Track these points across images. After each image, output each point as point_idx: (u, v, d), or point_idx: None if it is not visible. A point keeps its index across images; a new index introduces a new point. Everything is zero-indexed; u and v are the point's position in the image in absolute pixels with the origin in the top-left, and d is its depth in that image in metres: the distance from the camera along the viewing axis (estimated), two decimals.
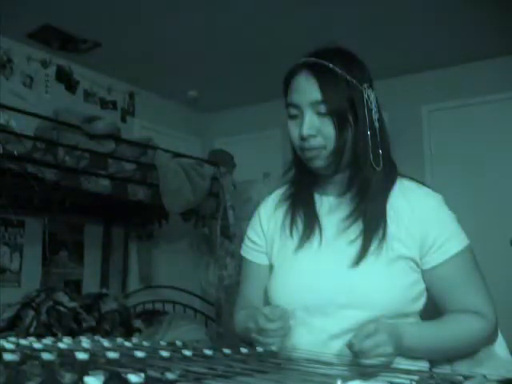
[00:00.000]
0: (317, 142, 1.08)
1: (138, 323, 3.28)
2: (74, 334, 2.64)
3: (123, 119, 4.37)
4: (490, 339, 1.11)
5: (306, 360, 0.76)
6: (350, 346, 0.95)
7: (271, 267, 1.23)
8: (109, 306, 3.14)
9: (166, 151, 3.45)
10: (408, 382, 0.58)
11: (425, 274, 1.10)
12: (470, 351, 1.09)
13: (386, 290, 1.05)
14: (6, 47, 3.55)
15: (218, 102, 4.96)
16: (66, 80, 3.96)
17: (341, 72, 1.07)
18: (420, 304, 1.11)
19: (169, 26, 3.48)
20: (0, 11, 3.05)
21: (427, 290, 1.12)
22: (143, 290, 3.95)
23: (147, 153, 3.32)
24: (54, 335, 2.63)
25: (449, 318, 1.09)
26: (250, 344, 1.04)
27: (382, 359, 0.92)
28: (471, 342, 1.08)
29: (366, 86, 1.10)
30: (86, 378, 0.45)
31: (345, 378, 0.46)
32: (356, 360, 0.91)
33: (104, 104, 4.24)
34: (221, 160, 3.94)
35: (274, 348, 0.99)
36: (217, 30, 3.55)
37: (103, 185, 2.93)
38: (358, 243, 1.09)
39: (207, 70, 4.18)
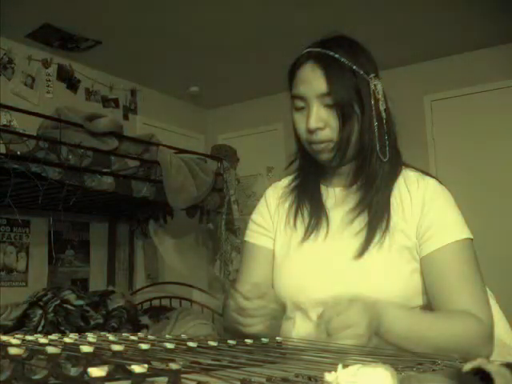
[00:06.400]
0: (324, 135, 1.07)
1: (145, 320, 3.29)
2: (81, 331, 2.65)
3: (125, 117, 4.37)
4: (483, 343, 1.01)
5: (313, 350, 0.76)
6: (317, 324, 0.90)
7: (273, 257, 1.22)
8: (116, 303, 3.15)
9: (169, 147, 3.46)
10: (412, 365, 0.58)
11: (420, 264, 1.08)
12: (456, 350, 0.91)
13: (389, 280, 1.04)
14: (7, 48, 3.55)
15: (220, 98, 4.95)
16: (68, 79, 3.97)
17: (347, 62, 1.05)
18: (424, 298, 1.08)
19: (169, 22, 3.48)
20: (0, 11, 3.05)
21: (424, 284, 1.07)
22: (150, 287, 3.97)
23: (150, 149, 3.32)
24: (61, 333, 2.64)
25: (440, 312, 1.04)
26: (239, 336, 0.97)
27: (351, 341, 0.84)
28: (459, 339, 0.98)
29: (372, 75, 1.08)
30: (90, 369, 0.45)
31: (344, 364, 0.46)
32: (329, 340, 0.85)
33: (106, 102, 4.24)
34: (224, 155, 3.94)
35: (255, 330, 0.95)
36: (217, 25, 3.54)
37: (107, 182, 2.93)
38: (363, 235, 1.08)
39: (208, 65, 4.18)
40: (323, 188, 1.20)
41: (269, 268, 1.20)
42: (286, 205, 1.23)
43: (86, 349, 0.57)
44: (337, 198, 1.17)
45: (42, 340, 0.74)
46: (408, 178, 1.14)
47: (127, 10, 3.30)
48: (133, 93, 4.47)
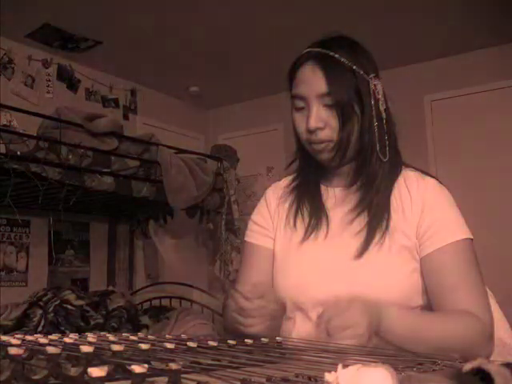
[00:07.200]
0: (324, 135, 1.07)
1: (145, 320, 3.29)
2: (81, 331, 2.65)
3: (125, 117, 4.37)
4: (483, 343, 1.00)
5: (313, 350, 0.76)
6: (317, 324, 0.90)
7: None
8: (116, 303, 3.15)
9: (169, 147, 3.46)
10: (412, 365, 0.58)
11: (420, 264, 1.08)
12: (456, 350, 0.88)
13: (389, 280, 1.04)
14: (7, 48, 3.55)
15: (220, 98, 4.95)
16: (68, 79, 3.97)
17: (347, 62, 1.05)
18: (424, 298, 1.08)
19: (169, 22, 3.48)
20: (0, 11, 3.05)
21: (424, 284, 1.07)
22: (150, 287, 3.96)
23: (150, 149, 3.32)
24: (61, 333, 2.64)
25: (440, 312, 1.04)
26: (239, 336, 0.98)
27: (351, 341, 0.83)
28: (459, 339, 0.98)
29: (372, 75, 1.08)
30: (90, 369, 0.45)
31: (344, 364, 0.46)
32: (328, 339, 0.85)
33: (106, 102, 4.24)
34: (224, 155, 3.94)
35: (255, 330, 0.95)
36: (217, 25, 3.54)
37: (107, 182, 2.93)
38: (363, 235, 1.08)
39: (208, 65, 4.17)
40: (323, 188, 1.20)
41: (269, 268, 1.20)
42: (286, 205, 1.23)
43: (85, 349, 0.57)
44: (337, 198, 1.17)
45: (42, 340, 0.74)
46: (408, 178, 1.14)
47: (127, 10, 3.29)
48: (133, 93, 4.47)
